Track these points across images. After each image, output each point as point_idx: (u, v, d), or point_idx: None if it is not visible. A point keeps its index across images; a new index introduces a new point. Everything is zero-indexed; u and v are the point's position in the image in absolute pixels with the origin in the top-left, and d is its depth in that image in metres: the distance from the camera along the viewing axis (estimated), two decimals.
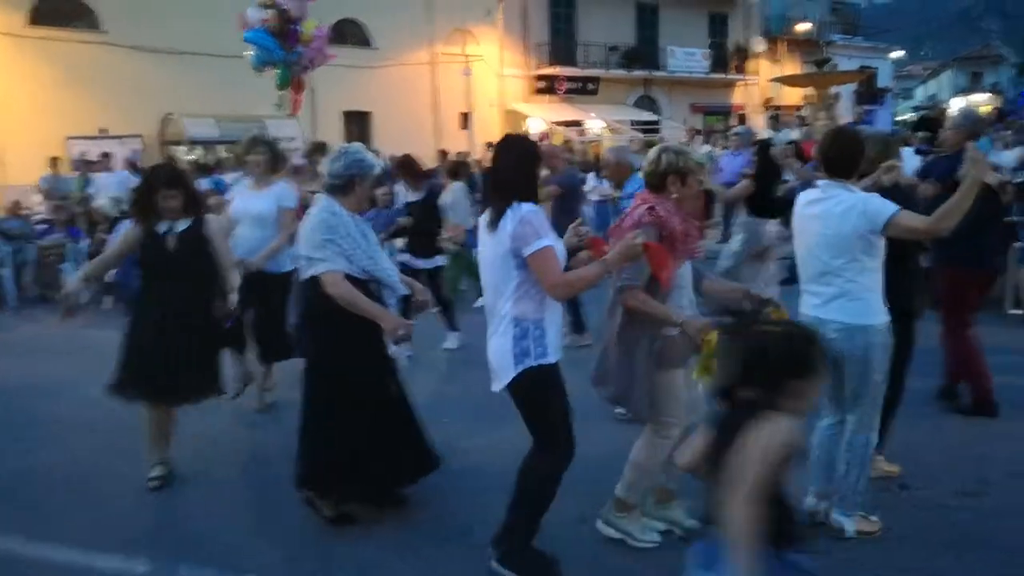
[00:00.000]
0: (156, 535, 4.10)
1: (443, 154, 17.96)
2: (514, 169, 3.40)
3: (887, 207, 3.54)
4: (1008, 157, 11.83)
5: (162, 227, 4.63)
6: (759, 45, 34.56)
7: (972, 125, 5.40)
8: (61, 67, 19.80)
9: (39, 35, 19.55)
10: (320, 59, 10.53)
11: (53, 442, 5.53)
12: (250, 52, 9.84)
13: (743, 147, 13.55)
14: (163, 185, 4.60)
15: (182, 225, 4.67)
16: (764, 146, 7.81)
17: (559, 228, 3.56)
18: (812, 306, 3.74)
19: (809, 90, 19.09)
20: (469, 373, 6.19)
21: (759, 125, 26.87)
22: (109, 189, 13.64)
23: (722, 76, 33.80)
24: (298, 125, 18.77)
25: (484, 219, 3.43)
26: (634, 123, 28.71)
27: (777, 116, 17.89)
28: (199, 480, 4.78)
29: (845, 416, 3.77)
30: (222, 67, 20.12)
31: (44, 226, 12.31)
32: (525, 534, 3.45)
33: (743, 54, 34.60)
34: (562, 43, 29.58)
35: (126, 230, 4.88)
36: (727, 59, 34.19)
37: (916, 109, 33.72)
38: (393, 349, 4.08)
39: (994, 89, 53.92)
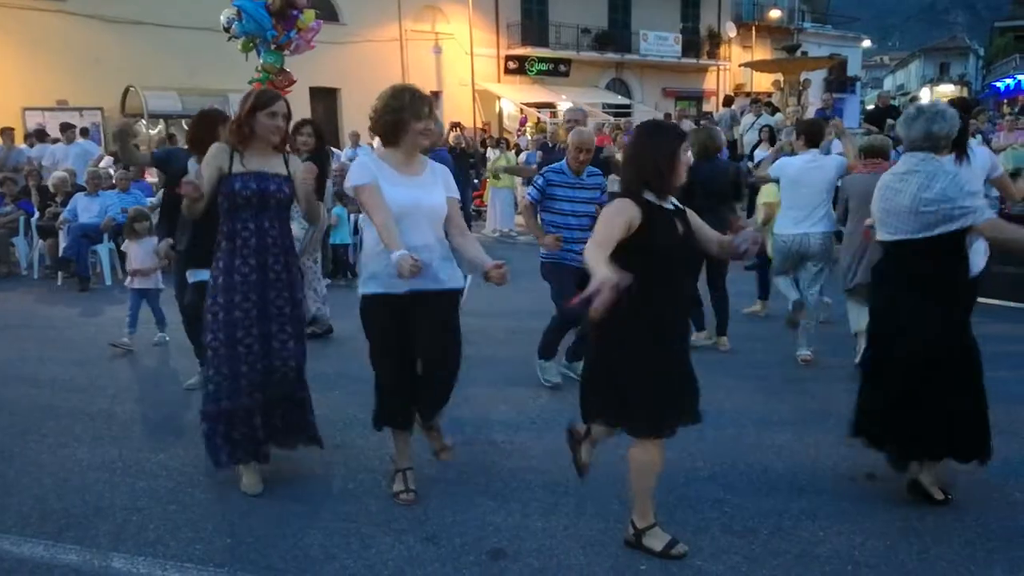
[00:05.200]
0: (85, 523, 3.87)
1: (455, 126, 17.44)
2: None
3: None
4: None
5: (668, 203, 3.41)
6: (731, 31, 34.59)
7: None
8: (18, 36, 19.26)
9: None
10: (304, 49, 10.50)
11: None
12: (227, 17, 9.53)
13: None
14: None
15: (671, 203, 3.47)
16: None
17: None
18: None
19: (779, 75, 19.09)
20: None
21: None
22: (67, 161, 13.22)
23: (694, 61, 33.82)
24: None
25: None
26: (606, 106, 28.60)
27: (758, 101, 17.76)
28: (131, 466, 4.54)
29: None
30: (186, 39, 19.71)
31: None
32: None
33: (715, 39, 34.61)
34: (534, 24, 29.34)
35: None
36: (699, 44, 34.19)
37: None
38: None
39: (962, 80, 54.61)
